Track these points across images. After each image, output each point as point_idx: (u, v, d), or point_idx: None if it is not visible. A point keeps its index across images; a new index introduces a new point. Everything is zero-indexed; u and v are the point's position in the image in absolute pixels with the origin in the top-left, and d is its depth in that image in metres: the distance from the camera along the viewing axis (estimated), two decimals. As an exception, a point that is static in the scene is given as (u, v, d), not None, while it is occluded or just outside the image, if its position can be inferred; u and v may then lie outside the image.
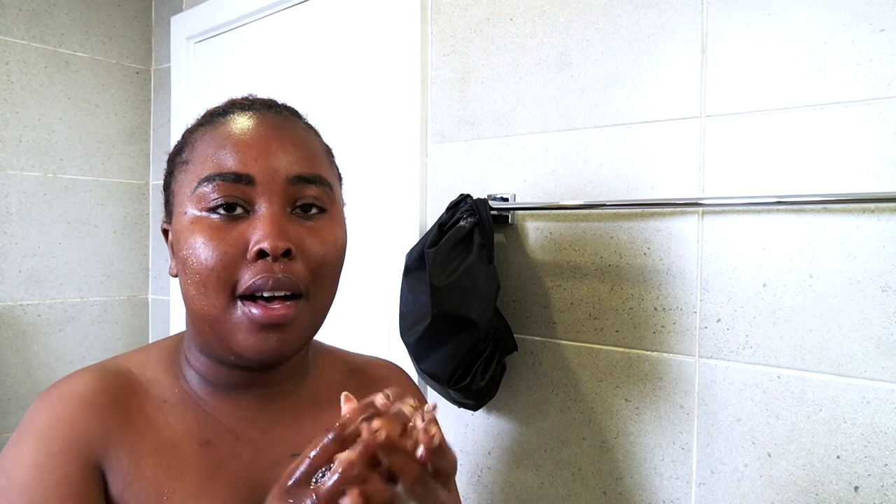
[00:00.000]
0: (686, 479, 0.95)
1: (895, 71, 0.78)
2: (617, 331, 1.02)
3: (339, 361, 0.75)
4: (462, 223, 1.05)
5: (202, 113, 0.66)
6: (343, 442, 0.45)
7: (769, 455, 0.87)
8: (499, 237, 1.14)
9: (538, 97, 1.10)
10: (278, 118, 0.63)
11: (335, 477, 0.43)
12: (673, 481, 0.96)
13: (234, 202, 0.58)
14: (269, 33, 1.60)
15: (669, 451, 0.96)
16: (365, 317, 1.36)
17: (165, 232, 0.66)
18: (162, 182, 0.66)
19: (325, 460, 0.45)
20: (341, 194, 0.67)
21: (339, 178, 0.68)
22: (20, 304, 1.75)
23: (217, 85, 1.77)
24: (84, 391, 0.58)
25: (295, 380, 0.67)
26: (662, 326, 0.97)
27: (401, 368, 0.81)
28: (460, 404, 1.10)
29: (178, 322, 1.89)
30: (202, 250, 0.56)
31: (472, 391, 1.04)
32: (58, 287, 1.82)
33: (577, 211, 1.04)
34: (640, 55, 0.98)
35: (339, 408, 0.63)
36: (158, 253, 2.00)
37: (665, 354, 0.97)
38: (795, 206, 0.84)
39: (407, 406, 0.48)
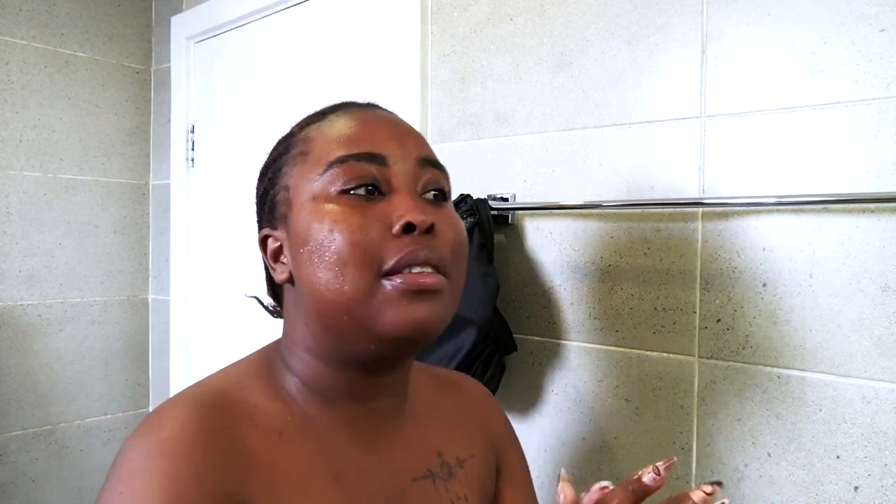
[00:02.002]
0: (686, 479, 0.95)
1: (895, 71, 0.78)
2: (617, 331, 1.02)
3: (426, 375, 0.72)
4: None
5: (303, 118, 0.65)
6: None
7: (769, 455, 0.87)
8: (499, 237, 1.14)
9: (538, 97, 1.10)
10: (389, 112, 0.63)
11: None
12: (673, 481, 0.96)
13: (370, 179, 0.55)
14: (269, 33, 1.60)
15: (669, 451, 0.96)
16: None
17: (264, 241, 0.60)
18: (258, 193, 0.62)
19: None
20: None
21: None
22: (20, 304, 1.75)
23: (217, 85, 1.77)
24: (197, 434, 0.50)
25: (403, 393, 0.63)
26: (662, 326, 0.97)
27: (484, 387, 0.79)
28: (460, 404, 1.10)
29: (178, 322, 1.89)
30: (342, 227, 0.52)
31: (472, 391, 1.04)
32: (58, 287, 1.82)
33: (577, 211, 1.04)
34: (640, 55, 0.98)
35: (443, 425, 0.66)
36: (158, 253, 2.00)
37: (665, 354, 0.97)
38: (795, 206, 0.84)
39: (697, 493, 0.46)
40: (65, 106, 1.82)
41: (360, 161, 0.55)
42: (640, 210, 0.98)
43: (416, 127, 1.23)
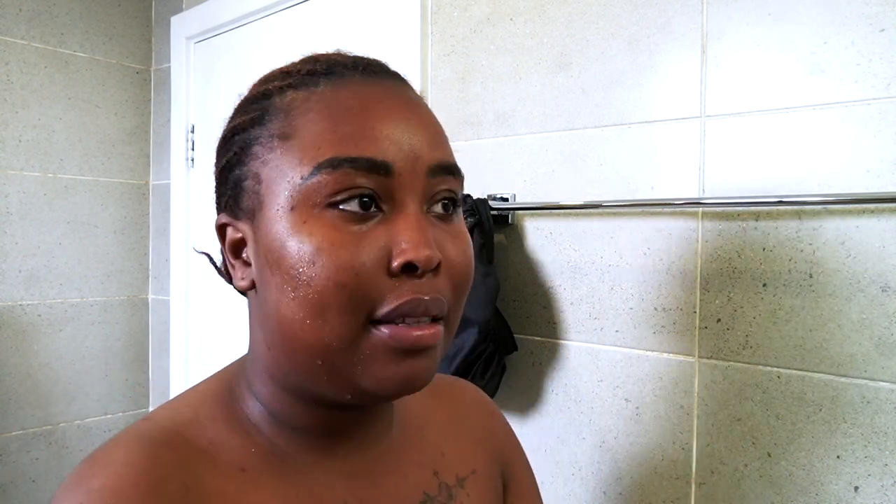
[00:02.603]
0: (686, 479, 0.95)
1: (895, 71, 0.78)
2: (617, 331, 1.02)
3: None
4: (462, 223, 1.05)
5: (269, 73, 0.52)
6: None
7: (769, 455, 0.87)
8: (499, 237, 1.14)
9: (538, 97, 1.10)
10: (403, 87, 0.49)
11: None
12: (673, 481, 0.96)
13: (367, 194, 0.43)
14: (270, 33, 1.60)
15: (669, 451, 0.96)
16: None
17: (222, 229, 0.49)
18: (219, 164, 0.50)
19: None
20: None
21: None
22: (20, 304, 1.75)
23: (217, 85, 1.77)
24: (139, 483, 0.40)
25: (389, 415, 0.54)
26: (662, 326, 0.97)
27: (483, 393, 0.69)
28: (460, 404, 1.10)
29: (178, 322, 1.89)
30: (326, 261, 0.41)
31: (472, 391, 1.04)
32: (58, 287, 1.82)
33: (577, 211, 1.04)
34: (640, 55, 0.98)
35: (438, 440, 0.57)
36: (158, 253, 2.00)
37: (665, 354, 0.97)
38: (795, 206, 0.84)
39: None
40: (65, 106, 1.82)
41: (357, 169, 0.42)
42: (640, 210, 0.98)
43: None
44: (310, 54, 0.52)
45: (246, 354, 0.52)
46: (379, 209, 0.44)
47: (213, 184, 0.51)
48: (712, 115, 0.91)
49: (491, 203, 1.09)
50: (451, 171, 0.47)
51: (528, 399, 1.11)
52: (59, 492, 0.40)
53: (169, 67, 1.92)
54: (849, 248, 0.81)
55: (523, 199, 1.11)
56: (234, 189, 0.48)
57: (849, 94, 0.81)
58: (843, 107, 0.81)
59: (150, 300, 2.03)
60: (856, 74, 0.81)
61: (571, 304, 1.06)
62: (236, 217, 0.48)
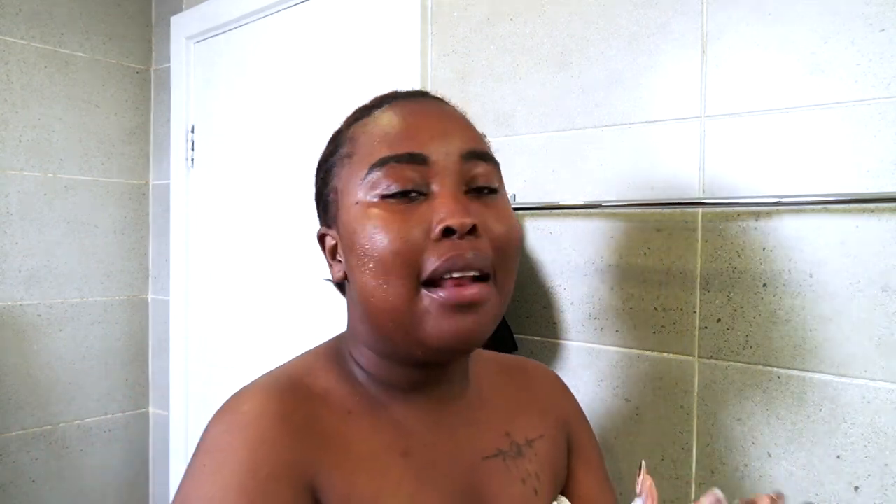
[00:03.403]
0: (686, 479, 0.95)
1: (895, 71, 0.78)
2: (617, 331, 1.02)
3: (490, 362, 0.73)
4: (462, 223, 1.05)
5: (352, 112, 0.65)
6: None
7: (769, 455, 0.87)
8: (499, 237, 1.14)
9: (538, 97, 1.10)
10: (436, 101, 0.62)
11: None
12: (673, 481, 0.96)
13: (410, 183, 0.54)
14: (269, 33, 1.60)
15: (669, 451, 0.96)
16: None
17: (322, 238, 0.62)
18: (315, 191, 0.64)
19: None
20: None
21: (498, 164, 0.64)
22: (20, 304, 1.75)
23: (217, 85, 1.77)
24: (276, 410, 0.53)
25: (465, 381, 0.65)
26: (662, 326, 0.97)
27: (554, 372, 0.79)
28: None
29: (178, 322, 1.89)
30: (382, 235, 0.53)
31: (472, 391, 1.04)
32: (58, 287, 1.82)
33: (577, 211, 1.04)
34: (640, 55, 0.98)
35: (509, 408, 0.67)
36: (158, 253, 2.00)
37: (665, 354, 0.97)
38: (795, 206, 0.84)
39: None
40: (65, 106, 1.82)
41: (400, 163, 0.54)
42: (640, 210, 0.98)
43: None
44: (375, 96, 0.65)
45: (343, 332, 0.65)
46: (421, 193, 0.55)
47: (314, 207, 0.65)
48: (712, 115, 0.92)
49: (491, 203, 1.09)
50: (482, 156, 0.57)
51: (528, 399, 1.11)
52: (212, 420, 0.53)
53: (169, 67, 1.92)
54: (849, 248, 0.81)
55: (523, 199, 1.11)
56: (324, 205, 0.62)
57: (849, 94, 0.81)
58: (843, 107, 0.81)
59: (150, 300, 2.03)
60: (856, 74, 0.81)
61: (571, 304, 1.06)
62: (329, 226, 0.61)
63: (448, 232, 0.52)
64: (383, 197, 0.54)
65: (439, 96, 0.64)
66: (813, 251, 0.84)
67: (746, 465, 0.89)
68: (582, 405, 1.05)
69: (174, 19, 1.89)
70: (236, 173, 1.71)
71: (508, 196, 1.10)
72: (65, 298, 1.83)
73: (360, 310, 0.58)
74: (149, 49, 2.01)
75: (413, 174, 0.54)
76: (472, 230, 0.53)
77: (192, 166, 1.85)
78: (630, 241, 1.00)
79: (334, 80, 1.44)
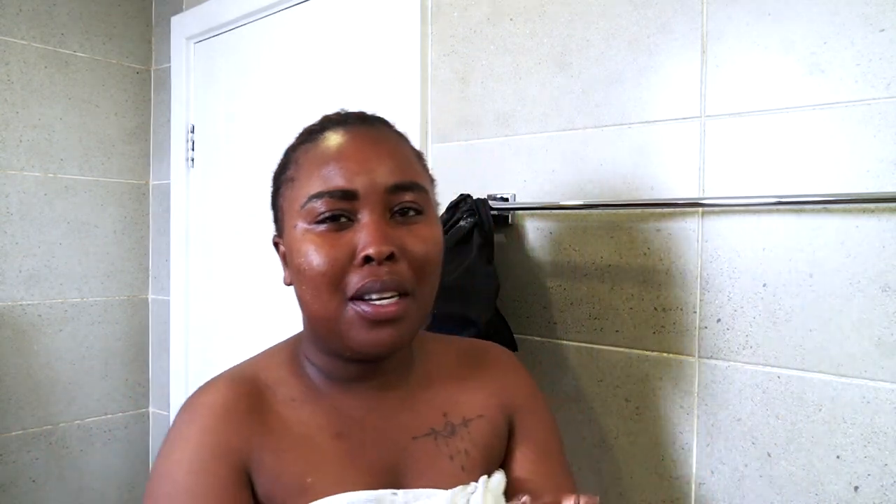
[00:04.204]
0: (686, 479, 0.95)
1: (895, 71, 0.78)
2: (617, 331, 1.02)
3: (447, 346, 0.79)
4: (462, 223, 1.05)
5: (300, 131, 0.72)
6: None
7: (769, 455, 0.87)
8: (499, 237, 1.14)
9: (538, 97, 1.10)
10: (371, 130, 0.69)
11: None
12: (673, 481, 0.96)
13: (341, 214, 0.63)
14: (270, 33, 1.60)
15: (669, 451, 0.96)
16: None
17: (276, 245, 0.71)
18: (270, 199, 0.71)
19: None
20: (434, 196, 0.72)
21: (432, 181, 0.72)
22: (20, 304, 1.75)
23: (217, 85, 1.77)
24: (223, 401, 0.64)
25: (406, 369, 0.72)
26: (662, 326, 0.97)
27: (511, 353, 0.84)
28: (460, 404, 1.10)
29: (178, 322, 1.89)
30: (314, 258, 0.62)
31: (472, 391, 1.04)
32: (58, 287, 1.82)
33: (577, 211, 1.04)
34: (640, 55, 0.98)
35: (454, 390, 0.73)
36: (159, 253, 2.00)
37: (665, 354, 0.97)
38: (795, 206, 0.84)
39: None
40: (65, 106, 1.82)
41: (333, 197, 0.62)
42: (640, 210, 0.98)
43: (416, 127, 1.24)
44: (322, 116, 0.73)
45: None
46: (350, 221, 0.63)
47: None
48: (712, 115, 0.92)
49: (491, 203, 1.09)
50: (407, 187, 0.65)
51: (528, 399, 1.11)
52: (181, 408, 0.65)
53: (169, 67, 1.92)
54: (849, 248, 0.81)
55: (523, 199, 1.11)
56: (275, 217, 0.70)
57: (849, 94, 0.81)
58: (843, 107, 0.81)
59: (150, 300, 2.03)
60: (856, 74, 0.81)
61: (571, 304, 1.06)
62: (280, 236, 0.70)
63: (368, 259, 0.61)
64: (317, 222, 0.63)
65: (379, 119, 0.72)
66: (813, 251, 0.84)
67: (746, 465, 0.89)
68: (582, 405, 1.05)
69: (174, 19, 1.89)
70: (236, 173, 1.71)
71: (508, 196, 1.11)
72: (65, 298, 1.83)
73: (302, 312, 0.68)
74: (149, 49, 2.01)
75: (343, 205, 0.63)
76: (390, 257, 0.61)
77: (192, 166, 1.85)
78: (630, 241, 1.00)
79: (334, 81, 1.44)
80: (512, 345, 1.09)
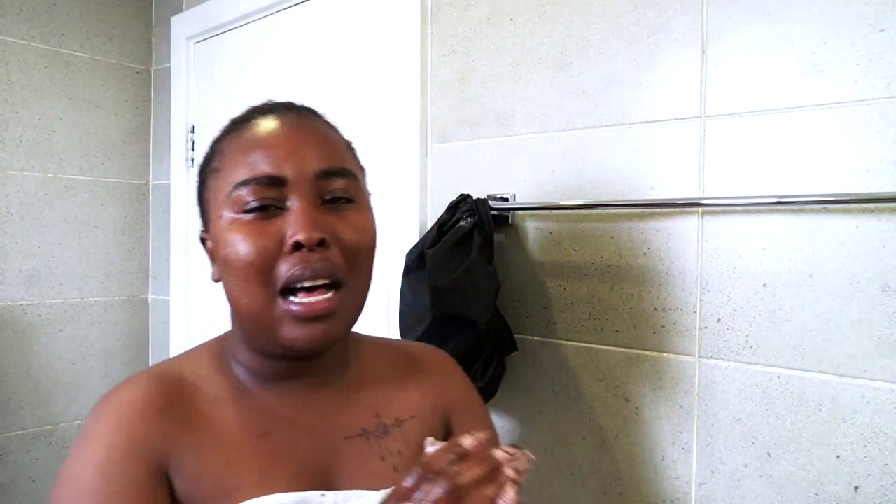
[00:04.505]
0: (686, 479, 0.95)
1: (895, 71, 0.78)
2: (617, 331, 1.02)
3: (383, 348, 0.77)
4: (462, 223, 1.05)
5: (226, 123, 0.69)
6: (429, 479, 0.48)
7: (769, 455, 0.87)
8: (499, 237, 1.14)
9: (538, 97, 1.10)
10: (299, 117, 0.66)
11: None
12: (673, 481, 0.96)
13: (269, 202, 0.60)
14: (269, 33, 1.60)
15: (669, 451, 0.96)
16: (365, 317, 1.36)
17: (204, 241, 0.68)
18: (196, 194, 0.69)
19: (408, 496, 0.48)
20: (366, 185, 0.70)
21: (362, 170, 0.70)
22: (20, 304, 1.75)
23: (217, 85, 1.77)
24: (140, 397, 0.60)
25: (340, 368, 0.70)
26: (662, 326, 0.97)
27: (447, 354, 0.82)
28: (460, 404, 1.10)
29: (178, 322, 1.89)
30: (241, 247, 0.59)
31: (472, 391, 1.04)
32: (58, 287, 1.82)
33: (577, 211, 1.04)
34: (640, 55, 0.98)
35: (388, 391, 0.71)
36: (159, 253, 2.00)
37: (665, 354, 0.97)
38: (795, 206, 0.84)
39: (500, 452, 0.50)
40: (65, 106, 1.82)
41: (260, 184, 0.60)
42: (640, 210, 0.98)
43: (416, 127, 1.24)
44: (250, 105, 0.70)
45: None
46: (279, 208, 0.61)
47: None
48: (712, 115, 0.91)
49: (491, 203, 1.09)
50: (337, 173, 0.63)
51: (528, 399, 1.11)
52: (95, 406, 0.61)
53: (169, 67, 1.92)
54: (849, 248, 0.81)
55: (523, 199, 1.11)
56: (202, 211, 0.67)
57: (849, 94, 0.81)
58: (843, 107, 0.81)
59: (150, 300, 2.03)
60: (856, 74, 0.81)
61: (571, 304, 1.06)
62: (207, 230, 0.66)
63: (298, 246, 0.59)
64: (244, 211, 0.60)
65: (307, 108, 0.70)
66: (813, 251, 0.84)
67: (746, 465, 0.89)
68: (582, 405, 1.05)
69: (174, 19, 1.89)
70: (236, 173, 1.70)
71: (508, 196, 1.11)
72: (65, 298, 1.83)
73: (230, 309, 0.65)
74: (149, 49, 2.01)
75: (272, 193, 0.60)
76: (321, 243, 0.59)
77: (192, 166, 1.85)
78: (630, 241, 1.00)
79: (334, 80, 1.44)
80: (512, 345, 1.09)
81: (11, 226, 1.73)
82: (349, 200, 0.64)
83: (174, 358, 0.68)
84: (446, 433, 0.74)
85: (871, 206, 0.79)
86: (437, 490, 0.46)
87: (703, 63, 0.92)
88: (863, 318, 0.80)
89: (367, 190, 0.69)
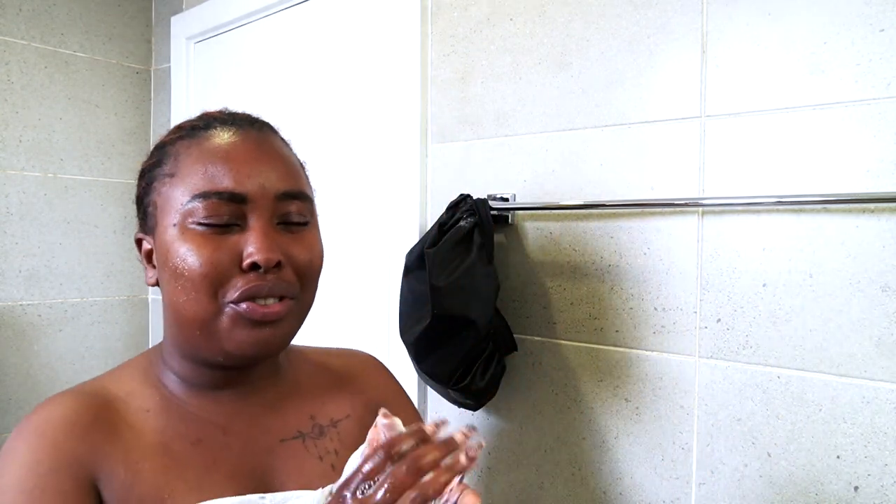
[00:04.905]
0: (686, 479, 0.95)
1: (895, 71, 0.78)
2: (617, 331, 1.02)
3: (312, 358, 0.78)
4: (462, 223, 1.05)
5: (177, 126, 0.68)
6: (391, 459, 0.49)
7: (769, 455, 0.87)
8: (499, 237, 1.14)
9: (538, 97, 1.10)
10: (261, 134, 0.66)
11: (382, 490, 0.47)
12: (673, 481, 0.96)
13: (227, 217, 0.60)
14: (270, 33, 1.60)
15: (669, 451, 0.96)
16: (365, 317, 1.36)
17: (139, 242, 0.67)
18: (136, 195, 0.68)
19: (373, 476, 0.49)
20: (315, 206, 0.71)
21: (313, 191, 0.71)
22: (20, 304, 1.75)
23: (217, 85, 1.77)
24: (64, 413, 0.59)
25: (271, 377, 0.70)
26: (662, 326, 0.97)
27: (374, 357, 0.84)
28: (460, 404, 1.10)
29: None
30: (195, 258, 0.59)
31: (472, 391, 1.04)
32: (58, 287, 1.82)
33: (577, 211, 1.04)
34: (640, 55, 0.98)
35: (320, 395, 0.73)
36: (158, 253, 1.99)
37: (665, 354, 0.97)
38: (795, 206, 0.84)
39: (459, 435, 0.51)
40: (65, 106, 1.82)
41: (220, 199, 0.59)
42: (639, 210, 0.98)
43: (416, 127, 1.24)
44: (202, 112, 0.70)
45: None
46: (237, 224, 0.61)
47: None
48: (712, 115, 0.91)
49: (491, 203, 1.09)
50: (295, 196, 0.64)
51: (528, 399, 1.11)
52: (15, 429, 0.59)
53: (169, 67, 1.92)
54: (849, 248, 0.81)
55: (523, 199, 1.11)
56: (143, 213, 0.66)
57: (849, 94, 0.81)
58: (843, 107, 0.81)
59: (150, 300, 2.03)
60: (856, 74, 0.81)
61: (571, 304, 1.06)
62: (146, 233, 0.66)
63: (255, 266, 0.59)
64: (200, 224, 0.59)
65: (266, 123, 0.69)
66: (813, 251, 0.84)
67: (746, 465, 0.89)
68: (582, 405, 1.05)
69: (174, 19, 1.89)
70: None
71: (508, 196, 1.11)
72: (65, 298, 1.83)
73: (170, 317, 0.64)
74: (149, 49, 2.01)
75: (230, 208, 0.60)
76: (278, 265, 0.60)
77: (192, 166, 1.85)
78: (630, 241, 1.00)
79: (334, 80, 1.44)
80: (512, 345, 1.09)
81: (11, 226, 1.73)
82: (303, 224, 0.65)
83: (100, 376, 0.67)
84: None
85: (871, 206, 0.79)
86: (401, 469, 0.48)
87: (703, 63, 0.92)
88: (863, 318, 0.80)
89: (316, 211, 0.70)
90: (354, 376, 0.78)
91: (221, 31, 1.74)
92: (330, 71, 1.45)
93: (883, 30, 0.79)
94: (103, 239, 1.91)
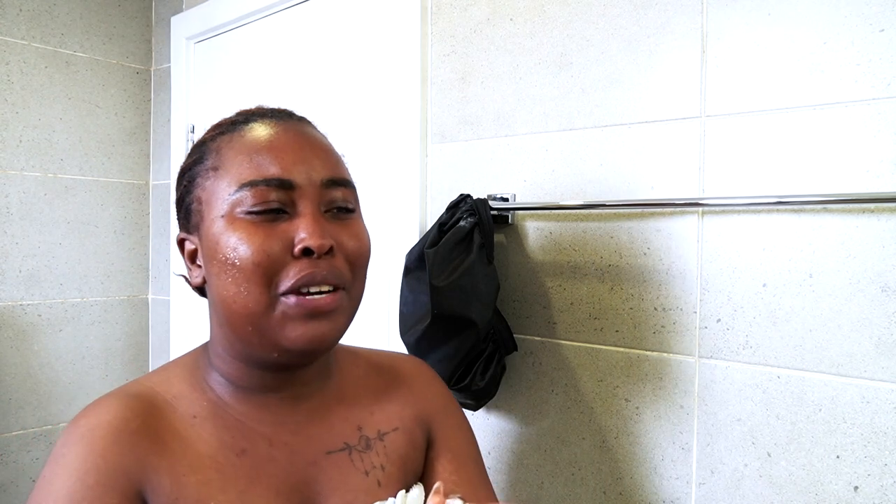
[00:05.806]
0: (686, 479, 0.95)
1: (895, 71, 0.78)
2: (617, 331, 1.02)
3: (362, 360, 0.76)
4: (462, 223, 1.05)
5: (210, 126, 0.69)
6: None
7: (769, 455, 0.87)
8: (499, 237, 1.14)
9: (538, 97, 1.10)
10: (301, 124, 0.66)
11: None
12: (673, 481, 0.96)
13: (276, 203, 0.59)
14: (270, 33, 1.60)
15: (669, 451, 0.96)
16: (365, 317, 1.36)
17: (182, 243, 0.66)
18: (176, 197, 0.67)
19: None
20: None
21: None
22: (20, 304, 1.75)
23: (217, 85, 1.77)
24: (112, 420, 0.58)
25: (320, 380, 0.69)
26: (662, 326, 0.97)
27: (426, 364, 0.82)
28: (460, 404, 1.10)
29: (178, 322, 1.89)
30: (246, 248, 0.58)
31: (472, 391, 1.04)
32: (58, 287, 1.82)
33: (577, 211, 1.04)
34: (640, 55, 0.98)
35: (368, 403, 0.71)
36: (158, 253, 2.00)
37: (665, 354, 0.97)
38: (795, 206, 0.84)
39: None
40: (65, 106, 1.82)
41: (268, 186, 0.59)
42: (640, 210, 0.98)
43: (416, 127, 1.24)
44: (238, 110, 0.70)
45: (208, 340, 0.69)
46: (285, 212, 0.60)
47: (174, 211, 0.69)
48: (712, 115, 0.92)
49: (491, 203, 1.09)
50: (341, 183, 0.64)
51: (528, 399, 1.11)
52: (65, 430, 0.58)
53: (169, 67, 1.92)
54: (849, 248, 0.81)
55: (523, 199, 1.11)
56: (185, 212, 0.65)
57: (849, 94, 0.81)
58: (843, 107, 0.81)
59: (150, 300, 2.03)
60: (856, 74, 0.81)
61: (571, 304, 1.06)
62: (189, 232, 0.65)
63: (307, 252, 0.59)
64: (249, 212, 0.59)
65: (302, 117, 0.69)
66: (813, 251, 0.84)
67: (746, 465, 0.89)
68: (582, 405, 1.05)
69: (174, 19, 1.89)
70: (236, 173, 1.70)
71: (508, 196, 1.11)
72: (65, 298, 1.83)
73: (220, 314, 0.62)
74: (149, 49, 2.01)
75: (280, 196, 0.60)
76: (329, 251, 0.60)
77: (192, 166, 1.85)
78: (630, 241, 1.00)
79: (334, 81, 1.44)
80: (512, 345, 1.09)
81: (11, 226, 1.73)
82: (349, 210, 0.65)
83: (148, 375, 0.66)
84: (428, 443, 0.74)
85: (871, 206, 0.79)
86: None
87: (703, 63, 0.92)
88: (863, 318, 0.80)
89: (359, 200, 0.70)
90: (405, 384, 0.76)
91: (221, 31, 1.74)
92: (330, 71, 1.45)
93: (883, 30, 0.79)
94: (103, 239, 1.91)
